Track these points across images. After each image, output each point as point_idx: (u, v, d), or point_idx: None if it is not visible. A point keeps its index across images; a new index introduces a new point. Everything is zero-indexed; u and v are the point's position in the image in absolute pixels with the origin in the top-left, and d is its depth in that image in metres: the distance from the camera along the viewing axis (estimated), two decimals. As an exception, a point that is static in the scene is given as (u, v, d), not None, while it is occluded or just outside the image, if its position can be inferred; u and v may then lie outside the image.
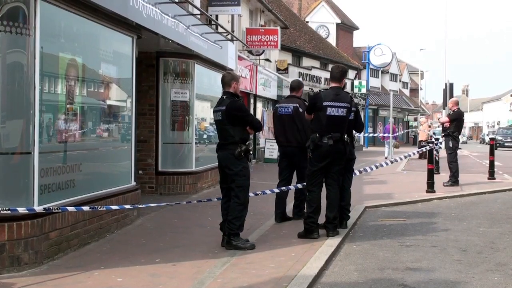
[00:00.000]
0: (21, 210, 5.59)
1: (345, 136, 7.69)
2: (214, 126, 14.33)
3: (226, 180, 7.20)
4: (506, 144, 44.73)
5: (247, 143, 7.15)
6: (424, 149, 17.77)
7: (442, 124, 15.31)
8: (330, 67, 38.76)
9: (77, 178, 6.98)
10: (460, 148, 14.14)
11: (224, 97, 7.20)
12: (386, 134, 26.76)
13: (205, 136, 13.82)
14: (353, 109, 7.96)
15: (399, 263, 6.55)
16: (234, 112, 7.04)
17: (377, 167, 10.65)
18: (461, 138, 44.27)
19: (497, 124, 74.99)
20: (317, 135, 7.52)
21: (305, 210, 8.88)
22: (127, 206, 7.71)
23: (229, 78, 7.26)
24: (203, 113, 13.55)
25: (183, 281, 5.57)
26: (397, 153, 23.06)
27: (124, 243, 7.34)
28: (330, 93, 7.63)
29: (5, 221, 5.66)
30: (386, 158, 24.76)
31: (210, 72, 13.53)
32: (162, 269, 6.00)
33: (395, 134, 27.88)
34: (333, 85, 7.72)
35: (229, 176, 7.08)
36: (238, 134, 7.05)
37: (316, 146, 7.52)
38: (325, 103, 7.51)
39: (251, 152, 7.25)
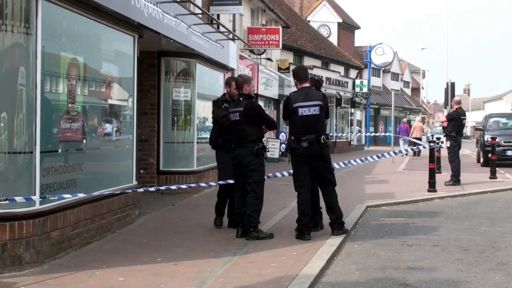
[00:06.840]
0: (18, 199, 5.60)
1: (322, 137, 7.47)
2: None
3: (242, 176, 7.58)
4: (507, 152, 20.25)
5: (263, 141, 7.66)
6: (415, 148, 17.91)
7: (442, 123, 15.45)
8: (331, 66, 38.74)
9: (78, 178, 6.97)
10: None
11: (241, 98, 7.66)
12: (391, 134, 26.82)
13: (205, 136, 13.82)
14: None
15: (401, 263, 6.55)
16: (252, 112, 7.57)
17: (372, 158, 11.15)
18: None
19: None
20: (292, 138, 7.56)
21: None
22: (118, 190, 7.71)
23: (241, 82, 7.78)
24: (204, 112, 13.54)
25: (185, 280, 5.58)
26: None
27: (125, 242, 7.34)
28: (299, 93, 7.60)
29: (6, 220, 5.67)
30: (402, 154, 24.04)
31: (212, 72, 13.53)
32: (163, 269, 6.01)
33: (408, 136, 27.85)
34: (303, 85, 7.64)
35: (247, 172, 7.50)
36: (255, 133, 7.58)
37: (292, 149, 7.60)
38: (295, 105, 7.49)
39: (267, 149, 7.70)
